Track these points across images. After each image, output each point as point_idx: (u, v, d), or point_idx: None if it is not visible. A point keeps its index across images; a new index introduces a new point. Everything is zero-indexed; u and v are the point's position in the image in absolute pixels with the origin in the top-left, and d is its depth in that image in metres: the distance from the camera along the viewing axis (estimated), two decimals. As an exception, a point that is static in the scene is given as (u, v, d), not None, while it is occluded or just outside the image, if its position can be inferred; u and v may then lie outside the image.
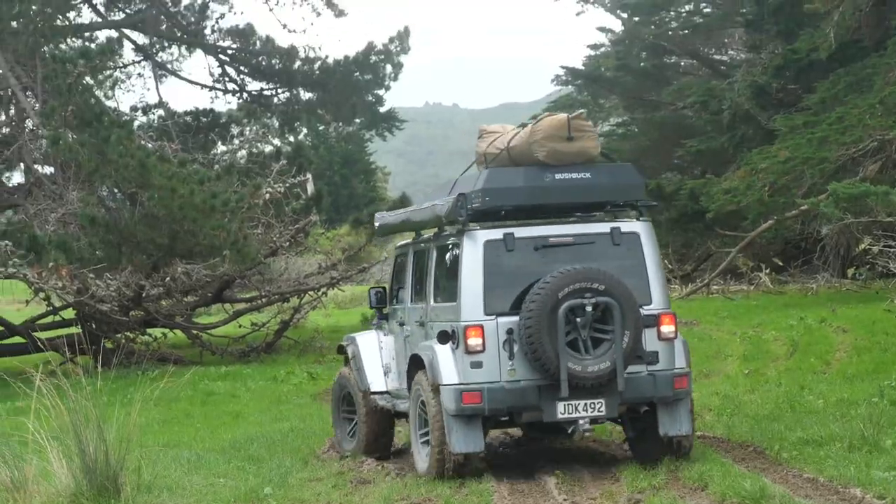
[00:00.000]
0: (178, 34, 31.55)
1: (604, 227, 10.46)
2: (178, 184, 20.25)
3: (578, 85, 41.48)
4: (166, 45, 31.76)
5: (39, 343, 21.87)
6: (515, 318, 10.02)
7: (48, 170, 24.10)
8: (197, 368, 20.77)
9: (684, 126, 36.18)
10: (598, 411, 10.12)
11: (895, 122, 23.11)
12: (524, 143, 10.57)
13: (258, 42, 31.54)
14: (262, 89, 32.35)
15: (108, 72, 28.50)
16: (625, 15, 40.00)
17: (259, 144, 29.73)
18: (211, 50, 31.48)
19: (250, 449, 12.65)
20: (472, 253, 10.23)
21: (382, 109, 35.17)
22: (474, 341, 10.02)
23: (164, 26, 31.43)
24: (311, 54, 31.56)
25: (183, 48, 31.74)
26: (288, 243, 23.87)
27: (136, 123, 26.43)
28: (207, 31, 31.50)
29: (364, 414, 11.89)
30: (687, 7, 39.25)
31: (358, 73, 31.86)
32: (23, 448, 9.71)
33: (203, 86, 32.06)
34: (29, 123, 23.59)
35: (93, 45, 26.51)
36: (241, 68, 32.17)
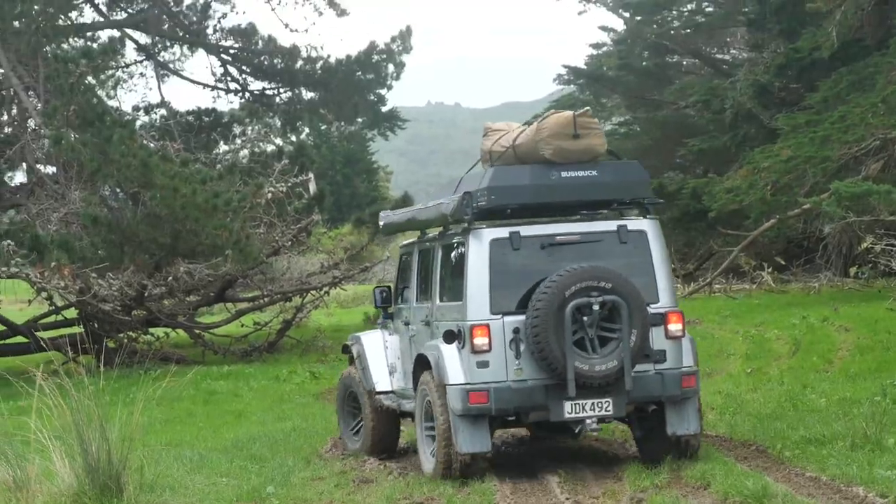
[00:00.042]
0: (180, 34, 31.52)
1: (610, 225, 10.38)
2: (181, 183, 20.24)
3: (580, 84, 41.47)
4: (168, 44, 31.73)
5: (42, 342, 21.70)
6: (522, 318, 9.93)
7: (50, 169, 24.10)
8: (199, 368, 20.75)
9: (686, 125, 36.19)
10: (606, 411, 10.05)
11: (897, 120, 23.13)
12: (530, 140, 10.49)
13: (260, 42, 31.51)
14: (264, 89, 32.32)
15: (111, 71, 28.48)
16: (627, 14, 39.97)
17: (261, 144, 29.79)
18: (213, 49, 31.44)
19: (253, 448, 12.61)
20: (477, 252, 10.14)
21: (384, 109, 35.17)
22: (480, 341, 9.93)
23: (166, 26, 31.41)
24: (314, 54, 31.56)
25: (185, 48, 31.71)
26: (290, 243, 23.85)
27: (138, 123, 26.35)
28: (209, 31, 31.50)
29: (369, 413, 11.85)
30: (689, 6, 39.25)
31: (360, 73, 31.81)
32: (25, 447, 9.69)
33: (205, 85, 32.05)
34: (31, 123, 23.56)
35: (95, 45, 26.58)
36: (244, 68, 32.14)
